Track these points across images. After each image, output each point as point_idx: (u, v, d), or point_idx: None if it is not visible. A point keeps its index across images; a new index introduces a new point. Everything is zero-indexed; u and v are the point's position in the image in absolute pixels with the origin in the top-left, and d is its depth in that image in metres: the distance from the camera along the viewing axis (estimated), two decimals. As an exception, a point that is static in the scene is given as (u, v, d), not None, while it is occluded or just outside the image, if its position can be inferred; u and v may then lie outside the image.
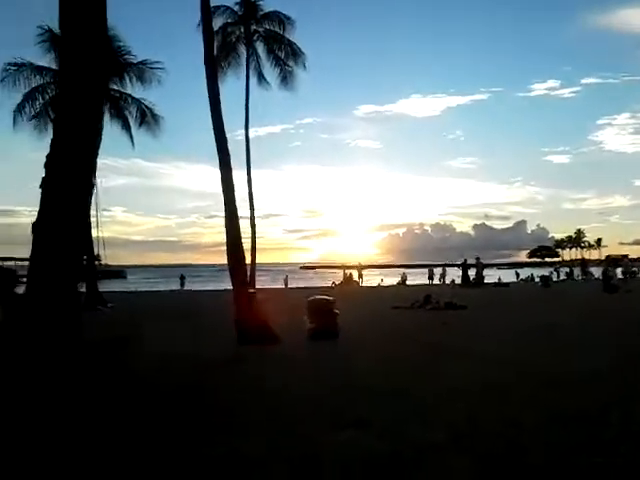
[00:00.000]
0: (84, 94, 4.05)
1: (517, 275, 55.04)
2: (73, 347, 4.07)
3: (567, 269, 59.44)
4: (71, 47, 4.11)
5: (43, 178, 4.00)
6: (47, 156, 4.03)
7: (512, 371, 8.84)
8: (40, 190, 4.03)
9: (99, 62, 4.23)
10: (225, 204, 13.56)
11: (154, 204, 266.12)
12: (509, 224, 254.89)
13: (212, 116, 13.66)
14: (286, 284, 50.83)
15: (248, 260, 17.20)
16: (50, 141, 4.11)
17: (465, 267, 41.93)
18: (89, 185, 4.20)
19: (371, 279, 57.70)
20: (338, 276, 55.62)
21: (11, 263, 59.04)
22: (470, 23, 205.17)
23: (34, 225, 4.03)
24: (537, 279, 47.19)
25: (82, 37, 4.10)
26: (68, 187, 3.97)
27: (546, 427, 5.70)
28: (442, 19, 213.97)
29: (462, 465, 4.67)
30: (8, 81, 25.25)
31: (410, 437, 5.42)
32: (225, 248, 13.69)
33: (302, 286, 46.93)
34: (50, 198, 3.98)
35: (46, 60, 26.04)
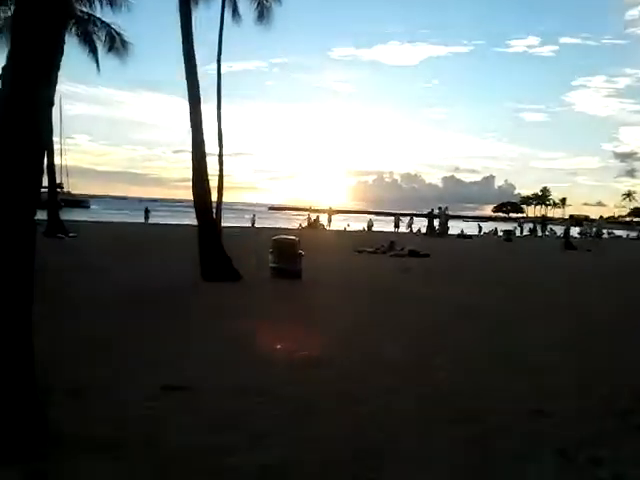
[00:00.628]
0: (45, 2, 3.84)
1: (479, 228, 55.50)
2: (25, 274, 3.98)
3: (531, 225, 60.42)
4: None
5: None
6: (2, 68, 3.84)
7: (455, 311, 9.34)
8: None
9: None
10: (192, 139, 13.28)
11: (120, 134, 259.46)
12: (477, 178, 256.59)
13: (183, 45, 13.18)
14: (253, 224, 50.65)
15: (214, 197, 17.01)
16: (8, 51, 3.89)
17: (431, 217, 42.37)
18: (48, 101, 4.01)
19: (338, 224, 57.86)
20: (306, 219, 55.62)
21: None
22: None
23: None
24: (500, 233, 47.98)
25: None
26: (25, 101, 3.78)
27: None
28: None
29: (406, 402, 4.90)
30: None
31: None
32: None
33: (269, 226, 46.99)
34: (4, 113, 3.81)
35: None
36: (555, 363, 6.43)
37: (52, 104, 4.00)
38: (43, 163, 4.04)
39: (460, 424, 4.42)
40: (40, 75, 3.81)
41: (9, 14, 24.61)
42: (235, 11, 28.83)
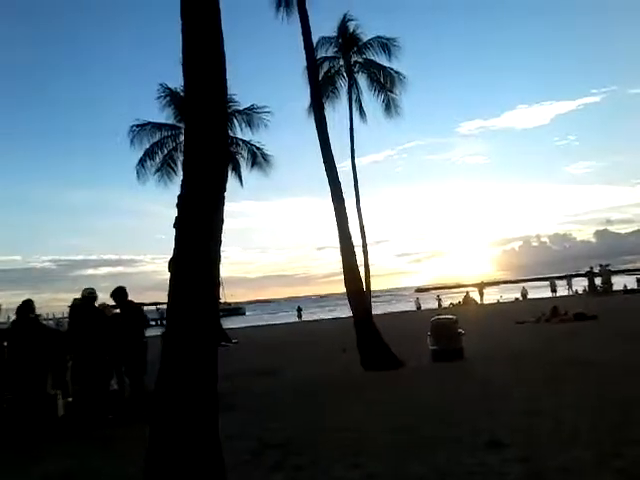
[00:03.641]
0: (210, 133, 4.36)
1: (638, 282, 49.79)
2: (212, 384, 4.30)
3: None
4: (196, 97, 4.48)
5: (176, 217, 4.30)
6: (179, 197, 4.34)
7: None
8: (174, 229, 4.32)
9: (222, 101, 4.58)
10: (339, 234, 13.82)
11: (266, 241, 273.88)
12: (634, 227, 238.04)
13: (322, 149, 14.10)
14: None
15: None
16: (181, 182, 4.43)
17: (591, 276, 39.66)
18: (220, 222, 4.45)
19: (489, 297, 55.90)
20: (455, 297, 54.57)
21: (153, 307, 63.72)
22: (573, 21, 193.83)
23: (171, 261, 4.31)
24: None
25: (205, 89, 4.45)
26: (202, 224, 4.25)
27: None
28: (541, 23, 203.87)
29: None
30: (136, 141, 27.87)
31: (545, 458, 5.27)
32: (342, 277, 13.92)
33: (424, 308, 47.20)
34: (185, 236, 4.26)
35: (163, 116, 28.44)
36: None
37: (222, 223, 4.41)
38: (218, 279, 4.41)
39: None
40: (210, 202, 4.28)
41: (165, 152, 28.21)
42: (361, 110, 30.29)
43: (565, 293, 45.85)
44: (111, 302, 9.85)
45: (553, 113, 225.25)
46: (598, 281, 38.85)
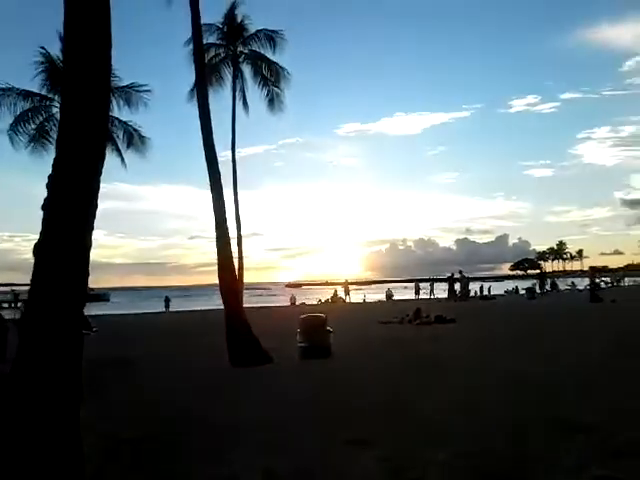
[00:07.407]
0: (89, 114, 4.04)
1: (488, 290, 52.64)
2: (76, 369, 4.03)
3: (550, 281, 59.43)
4: (76, 67, 4.11)
5: (45, 199, 3.95)
6: (49, 177, 3.98)
7: (502, 378, 8.91)
8: (42, 211, 3.97)
9: (105, 80, 4.25)
10: (216, 223, 13.53)
11: (135, 227, 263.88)
12: (491, 238, 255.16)
13: (203, 135, 13.67)
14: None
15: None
16: (53, 161, 4.06)
17: (452, 281, 42.04)
18: (93, 206, 4.14)
19: (355, 296, 57.55)
20: (324, 293, 55.60)
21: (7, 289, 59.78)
22: (453, 40, 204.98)
23: (36, 245, 3.98)
24: (522, 291, 47.25)
25: (88, 56, 4.10)
26: (72, 207, 3.92)
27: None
28: (425, 38, 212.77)
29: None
30: None
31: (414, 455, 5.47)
32: (214, 268, 13.65)
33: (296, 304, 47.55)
34: (53, 219, 3.92)
35: (35, 85, 26.22)
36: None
37: (96, 207, 4.09)
38: (88, 268, 4.10)
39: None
40: (85, 186, 3.97)
41: (37, 124, 26.03)
42: (244, 101, 30.09)
43: (427, 296, 48.16)
44: None
45: (428, 123, 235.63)
46: (457, 286, 41.27)
